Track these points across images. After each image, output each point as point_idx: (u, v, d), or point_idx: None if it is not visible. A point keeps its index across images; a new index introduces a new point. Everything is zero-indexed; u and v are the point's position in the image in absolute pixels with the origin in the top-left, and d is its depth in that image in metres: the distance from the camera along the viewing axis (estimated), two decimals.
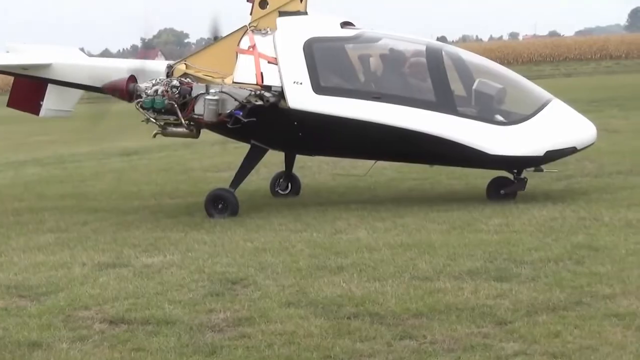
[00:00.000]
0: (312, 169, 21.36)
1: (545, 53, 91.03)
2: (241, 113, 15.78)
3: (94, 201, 18.96)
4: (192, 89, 16.05)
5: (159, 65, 17.55)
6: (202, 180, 21.15)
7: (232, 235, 14.16)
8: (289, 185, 18.40)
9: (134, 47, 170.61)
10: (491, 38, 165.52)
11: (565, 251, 11.87)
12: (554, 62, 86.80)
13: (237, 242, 13.60)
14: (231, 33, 17.17)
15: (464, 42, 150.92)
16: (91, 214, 17.10)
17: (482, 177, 18.01)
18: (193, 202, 17.76)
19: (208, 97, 15.82)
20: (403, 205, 16.16)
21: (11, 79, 19.21)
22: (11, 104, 19.16)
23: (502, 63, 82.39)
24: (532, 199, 15.98)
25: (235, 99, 15.81)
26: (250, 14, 16.92)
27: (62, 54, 18.43)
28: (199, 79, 16.62)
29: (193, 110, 15.98)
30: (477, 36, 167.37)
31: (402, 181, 19.23)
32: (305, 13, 17.13)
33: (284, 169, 18.39)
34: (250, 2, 16.96)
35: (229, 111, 15.81)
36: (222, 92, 15.86)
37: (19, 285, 11.60)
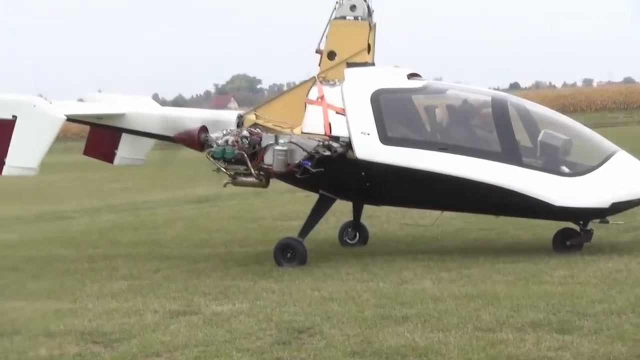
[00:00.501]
0: (381, 218, 21.59)
1: (619, 100, 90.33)
2: (309, 163, 16.10)
3: (166, 248, 19.40)
4: (261, 139, 16.43)
5: (230, 115, 18.00)
6: (272, 228, 21.49)
7: (300, 284, 14.45)
8: (357, 234, 18.67)
9: (207, 93, 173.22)
10: (564, 84, 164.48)
11: (629, 304, 11.95)
12: (627, 109, 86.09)
13: (305, 291, 13.88)
14: (300, 84, 17.59)
15: (537, 88, 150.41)
16: (163, 262, 17.51)
17: (548, 228, 18.10)
18: (263, 251, 18.09)
19: (277, 147, 16.17)
20: (469, 255, 16.34)
21: (87, 126, 19.77)
22: (87, 152, 19.80)
23: (575, 110, 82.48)
24: (599, 250, 16.05)
25: (304, 150, 16.15)
26: (319, 64, 17.31)
27: (136, 103, 18.97)
28: (268, 129, 16.99)
29: (262, 160, 16.33)
30: (550, 82, 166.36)
31: (469, 231, 19.38)
32: (373, 64, 17.49)
33: (352, 219, 18.64)
34: (319, 53, 17.35)
35: (297, 161, 16.14)
36: (290, 142, 16.21)
37: (93, 332, 11.99)
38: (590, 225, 16.27)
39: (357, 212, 18.52)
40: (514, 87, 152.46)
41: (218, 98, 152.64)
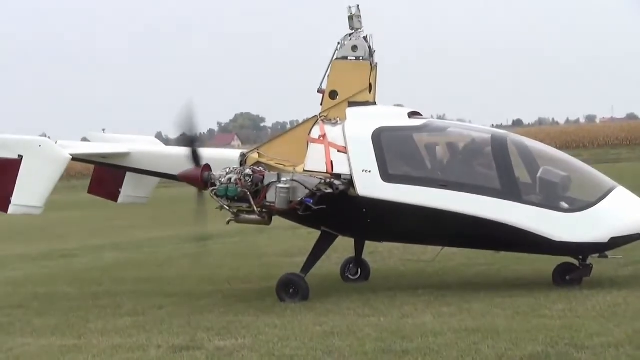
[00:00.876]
0: (383, 254, 21.75)
1: (621, 137, 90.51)
2: (311, 201, 16.30)
3: (169, 285, 19.58)
4: (264, 177, 16.62)
5: (232, 153, 18.22)
6: (275, 265, 21.66)
7: (302, 319, 14.61)
8: (359, 270, 18.85)
9: (210, 131, 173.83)
10: (567, 121, 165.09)
11: (626, 336, 12.11)
12: (630, 145, 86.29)
13: (307, 326, 14.04)
14: (302, 122, 17.84)
15: (540, 125, 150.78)
16: (167, 298, 17.67)
17: (549, 263, 18.25)
18: (265, 287, 18.25)
19: (280, 185, 16.37)
20: (469, 290, 16.50)
21: (90, 165, 20.00)
22: (91, 191, 20.06)
23: (577, 147, 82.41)
24: (598, 284, 16.21)
25: (306, 187, 16.34)
26: (321, 104, 17.57)
27: (140, 142, 19.21)
28: (271, 167, 17.20)
29: (265, 198, 16.52)
30: (553, 119, 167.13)
31: (470, 267, 19.53)
32: (374, 103, 17.76)
33: (353, 255, 18.81)
34: (321, 92, 17.60)
35: (299, 199, 16.33)
36: (293, 180, 16.41)
37: None
38: (589, 260, 16.43)
39: (359, 248, 18.71)
40: (517, 124, 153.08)
41: (221, 136, 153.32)
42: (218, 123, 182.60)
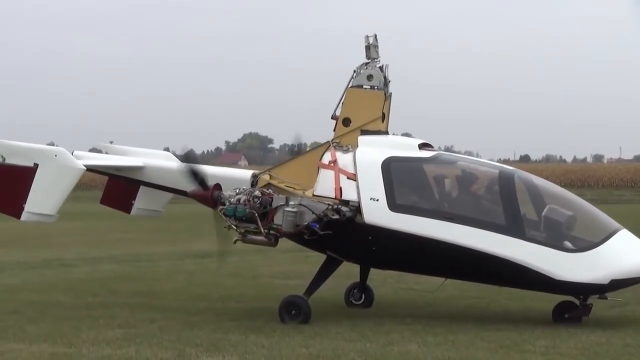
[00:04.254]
0: (376, 282, 21.93)
1: (627, 178, 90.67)
2: (318, 225, 16.54)
3: (163, 300, 19.82)
4: (272, 199, 16.87)
5: (244, 173, 18.51)
6: (269, 286, 21.92)
7: (290, 341, 14.86)
8: (363, 295, 19.09)
9: (217, 149, 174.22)
10: (575, 159, 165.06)
11: None
12: (635, 187, 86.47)
13: (294, 348, 14.30)
14: (314, 148, 18.15)
15: (547, 162, 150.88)
16: (160, 312, 17.92)
17: (539, 300, 18.55)
18: (257, 307, 18.53)
19: (287, 208, 16.63)
20: (457, 321, 16.74)
21: (95, 176, 20.28)
22: (104, 201, 20.40)
23: (583, 186, 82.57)
24: (584, 323, 16.45)
25: (313, 212, 16.60)
26: (334, 130, 17.85)
27: (154, 157, 19.55)
28: (281, 190, 17.48)
29: (272, 220, 16.77)
30: (560, 156, 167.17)
31: (461, 299, 19.76)
32: (387, 133, 18.04)
33: (358, 280, 19.04)
34: (335, 119, 17.89)
35: (306, 223, 16.57)
36: (300, 204, 16.67)
37: None
38: (589, 300, 16.57)
39: (364, 274, 18.93)
40: (524, 160, 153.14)
41: (228, 155, 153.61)
42: (226, 142, 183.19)
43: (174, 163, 19.23)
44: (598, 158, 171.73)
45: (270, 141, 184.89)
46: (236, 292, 21.07)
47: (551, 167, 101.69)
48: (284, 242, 18.18)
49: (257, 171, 18.39)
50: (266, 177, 17.95)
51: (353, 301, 19.07)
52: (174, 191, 18.95)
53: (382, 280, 22.10)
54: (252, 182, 17.90)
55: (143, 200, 19.81)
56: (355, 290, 19.16)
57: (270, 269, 25.58)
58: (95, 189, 60.26)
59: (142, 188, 19.53)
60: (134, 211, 19.92)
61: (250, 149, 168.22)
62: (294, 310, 16.78)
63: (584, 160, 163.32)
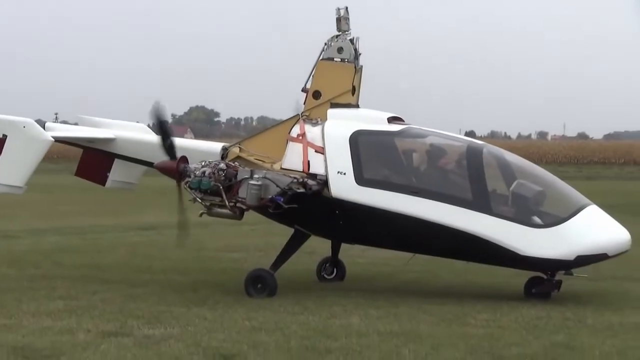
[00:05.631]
0: (321, 255, 21.96)
1: (570, 155, 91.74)
2: (282, 199, 16.45)
3: (106, 272, 19.72)
4: (237, 172, 16.77)
5: (213, 146, 18.40)
6: (214, 259, 21.91)
7: (233, 313, 14.86)
8: (335, 270, 19.02)
9: None
10: (519, 136, 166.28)
11: (542, 349, 12.52)
12: (578, 164, 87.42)
13: (236, 320, 14.30)
14: (285, 120, 18.00)
15: (492, 138, 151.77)
16: (102, 285, 17.81)
17: (482, 274, 18.73)
18: (201, 280, 18.52)
19: (251, 181, 16.51)
20: (400, 295, 16.85)
21: (57, 149, 20.13)
22: (79, 174, 20.23)
23: None
24: (524, 298, 16.60)
25: (277, 185, 16.47)
26: (304, 103, 17.74)
27: (128, 129, 19.41)
28: (251, 163, 17.38)
29: (237, 194, 16.66)
30: (505, 133, 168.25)
31: (405, 273, 19.83)
32: (357, 106, 17.89)
33: (330, 255, 19.01)
34: (305, 92, 17.77)
35: (270, 196, 16.48)
36: (265, 177, 16.56)
37: (25, 347, 12.30)
38: (558, 276, 16.54)
39: (335, 248, 18.87)
40: (469, 136, 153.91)
41: (174, 128, 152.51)
42: (172, 115, 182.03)
43: (146, 135, 19.10)
44: (542, 135, 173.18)
45: (217, 114, 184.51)
46: (180, 265, 21.00)
47: (496, 144, 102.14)
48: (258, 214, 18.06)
49: (227, 144, 18.29)
50: (236, 150, 17.83)
51: (325, 276, 18.99)
52: (144, 163, 18.79)
53: (327, 253, 22.11)
54: (222, 154, 17.77)
55: (118, 173, 19.61)
56: (327, 265, 19.09)
57: (214, 242, 25.53)
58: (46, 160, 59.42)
59: (116, 160, 19.33)
60: (108, 183, 19.74)
61: (197, 122, 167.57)
62: (260, 284, 16.71)
63: (529, 137, 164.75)
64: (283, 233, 25.68)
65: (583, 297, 16.88)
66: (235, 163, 17.22)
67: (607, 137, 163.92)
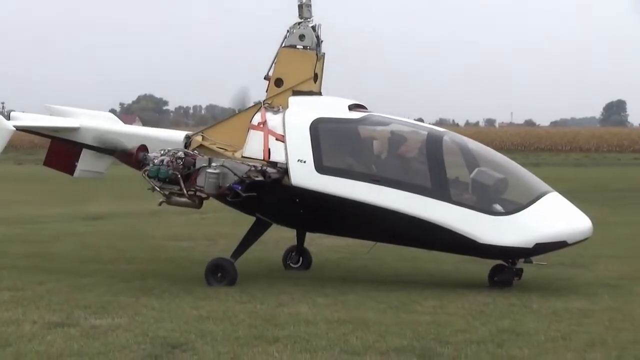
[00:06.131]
0: (269, 243, 21.97)
1: (517, 142, 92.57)
2: (240, 187, 16.36)
3: (53, 262, 19.57)
4: (195, 161, 16.69)
5: (176, 135, 18.28)
6: (161, 248, 21.82)
7: (180, 302, 14.82)
8: (301, 258, 18.97)
9: (112, 111, 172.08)
10: (467, 123, 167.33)
11: (489, 334, 12.62)
12: (525, 151, 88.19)
13: (184, 309, 14.26)
14: (247, 108, 17.97)
15: (439, 125, 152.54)
16: (49, 275, 17.67)
17: (429, 261, 18.85)
18: (149, 269, 18.44)
19: (209, 170, 16.42)
20: (348, 283, 16.89)
21: (20, 138, 20.07)
22: (47, 163, 20.07)
23: None
24: (471, 284, 16.73)
25: (235, 174, 16.38)
26: (266, 91, 17.68)
27: (95, 118, 19.24)
28: (212, 151, 17.30)
29: (195, 182, 16.59)
30: (453, 120, 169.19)
31: (353, 260, 19.92)
32: (320, 93, 17.85)
33: (295, 244, 18.97)
34: (267, 79, 17.69)
35: (228, 185, 16.38)
36: (223, 166, 16.47)
37: None
38: (519, 264, 16.51)
39: (300, 237, 18.82)
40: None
41: (123, 117, 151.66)
42: (120, 103, 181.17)
43: (112, 124, 19.00)
44: (490, 122, 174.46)
45: (165, 103, 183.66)
46: (127, 254, 20.90)
47: None
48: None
49: (190, 132, 18.19)
50: (199, 138, 17.74)
51: (291, 264, 18.93)
52: (108, 152, 18.68)
53: (275, 243, 22.14)
54: (186, 143, 17.69)
55: (86, 162, 19.42)
56: (292, 254, 19.04)
57: (162, 231, 25.42)
58: None
59: (84, 150, 19.13)
60: (76, 173, 19.56)
61: (145, 110, 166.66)
62: (220, 273, 16.65)
63: (477, 124, 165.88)
64: (232, 222, 25.76)
65: (529, 282, 17.00)
66: (194, 152, 17.11)
67: (554, 124, 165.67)
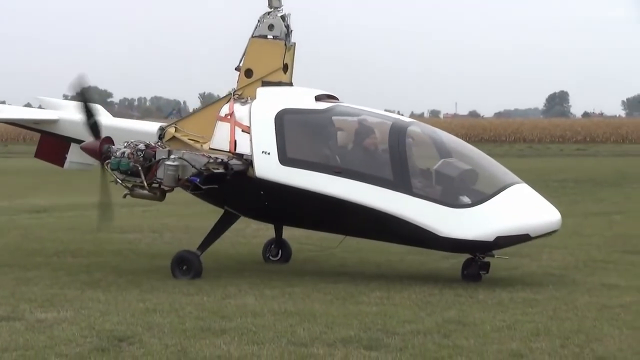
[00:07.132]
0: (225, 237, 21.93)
1: (462, 133, 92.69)
2: (198, 180, 16.22)
3: None
4: (155, 153, 16.51)
5: (150, 127, 18.18)
6: (107, 240, 21.67)
7: (127, 295, 14.79)
8: (280, 251, 18.86)
9: None
10: (412, 114, 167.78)
11: (435, 325, 12.73)
12: (469, 142, 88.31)
13: (130, 302, 14.24)
14: (219, 99, 17.87)
15: None
16: None
17: (375, 252, 18.91)
18: (94, 262, 18.37)
19: (168, 162, 16.25)
20: (295, 274, 16.93)
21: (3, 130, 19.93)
22: (38, 155, 19.99)
23: None
24: (417, 275, 16.84)
25: (193, 166, 16.21)
26: (237, 81, 17.54)
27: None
28: (184, 143, 17.19)
29: (155, 174, 16.43)
30: (398, 111, 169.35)
31: (300, 252, 19.91)
32: (290, 84, 17.72)
33: (274, 236, 18.90)
34: (238, 70, 17.56)
35: (187, 177, 16.22)
36: (181, 158, 16.28)
37: None
38: (487, 258, 16.23)
39: (278, 230, 18.75)
40: None
41: None
42: (64, 95, 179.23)
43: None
44: (435, 113, 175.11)
45: (110, 95, 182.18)
46: (73, 246, 20.78)
47: None
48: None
49: (164, 124, 18.07)
50: (172, 130, 17.62)
51: (270, 257, 18.82)
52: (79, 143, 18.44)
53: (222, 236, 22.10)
54: (160, 135, 17.58)
55: (75, 154, 19.24)
56: (272, 247, 18.93)
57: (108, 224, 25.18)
58: None
59: (73, 143, 18.95)
60: (67, 165, 19.44)
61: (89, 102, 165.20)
62: (185, 266, 16.58)
63: (422, 115, 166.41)
64: (176, 214, 25.71)
65: None
66: (158, 143, 16.97)
67: (498, 115, 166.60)
